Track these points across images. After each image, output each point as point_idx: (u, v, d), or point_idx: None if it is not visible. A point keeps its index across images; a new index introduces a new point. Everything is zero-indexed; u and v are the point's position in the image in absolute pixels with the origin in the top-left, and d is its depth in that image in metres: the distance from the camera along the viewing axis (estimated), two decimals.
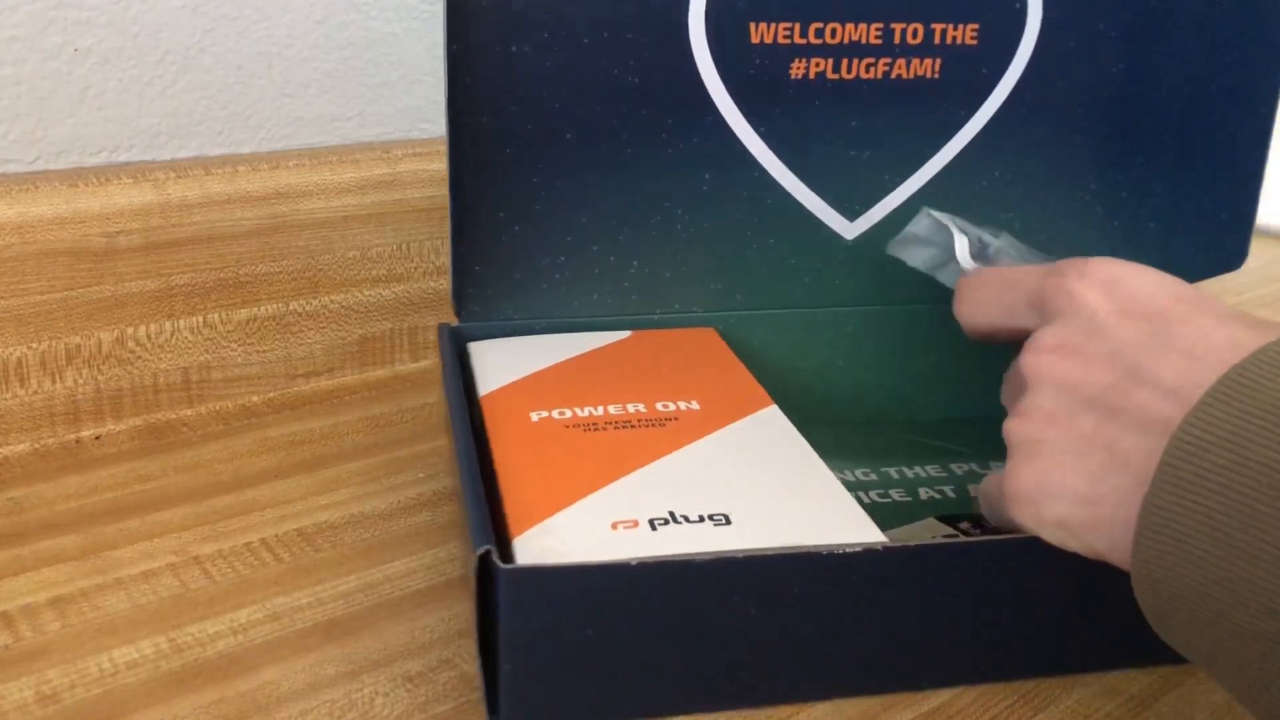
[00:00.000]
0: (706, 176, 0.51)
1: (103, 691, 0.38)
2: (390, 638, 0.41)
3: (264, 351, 0.57)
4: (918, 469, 0.49)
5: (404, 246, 0.60)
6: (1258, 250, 0.59)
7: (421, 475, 0.51)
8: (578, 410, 0.44)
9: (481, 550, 0.34)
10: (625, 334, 0.51)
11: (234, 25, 0.55)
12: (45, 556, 0.45)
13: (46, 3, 0.50)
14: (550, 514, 0.37)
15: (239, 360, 0.56)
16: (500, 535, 0.36)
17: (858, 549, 0.36)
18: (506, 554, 0.35)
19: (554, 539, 0.36)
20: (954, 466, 0.49)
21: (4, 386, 0.51)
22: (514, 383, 0.46)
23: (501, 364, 0.48)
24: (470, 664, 0.40)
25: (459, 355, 0.48)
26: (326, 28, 0.58)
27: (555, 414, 0.44)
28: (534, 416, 0.43)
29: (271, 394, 0.58)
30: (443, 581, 0.45)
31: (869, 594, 0.37)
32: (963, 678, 0.39)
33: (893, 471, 0.49)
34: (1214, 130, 0.54)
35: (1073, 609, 0.38)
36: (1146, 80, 0.53)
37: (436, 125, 0.63)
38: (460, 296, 0.50)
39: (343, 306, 0.59)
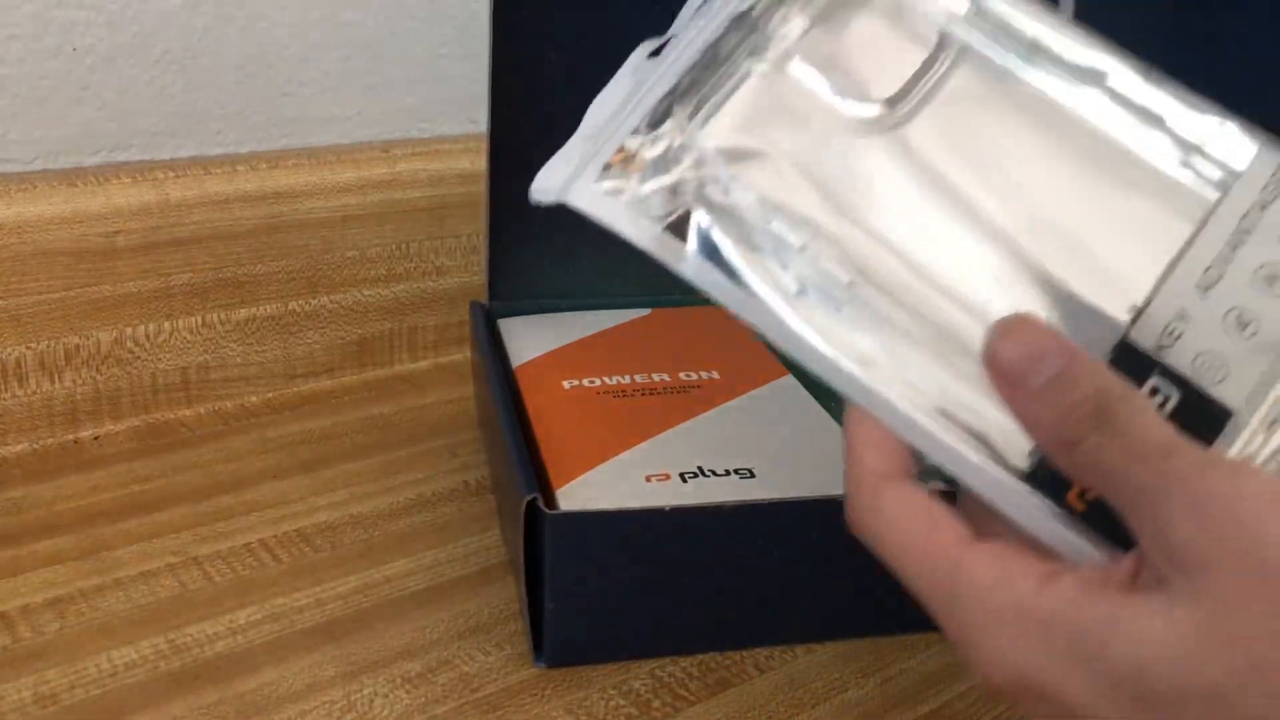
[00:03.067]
0: None
1: (102, 692, 0.38)
2: (389, 638, 0.41)
3: (263, 351, 0.57)
4: None
5: (403, 246, 0.60)
6: None
7: (421, 475, 0.51)
8: (607, 379, 0.47)
9: (528, 498, 0.37)
10: (646, 311, 0.55)
11: (233, 25, 0.55)
12: (44, 557, 0.44)
13: (45, 2, 0.50)
14: (589, 468, 0.41)
15: (238, 360, 0.56)
16: (543, 489, 0.39)
17: None
18: (551, 504, 0.39)
19: (593, 490, 0.40)
20: None
21: (2, 387, 0.51)
22: (545, 354, 0.50)
23: (533, 338, 0.51)
24: (469, 664, 0.40)
25: (490, 331, 0.52)
26: (326, 27, 0.58)
27: (586, 382, 0.47)
28: (566, 384, 0.47)
29: (270, 394, 0.58)
30: (443, 582, 0.44)
31: None
32: None
33: None
34: None
35: None
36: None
37: (436, 125, 0.63)
38: (493, 278, 0.53)
39: (342, 306, 0.59)
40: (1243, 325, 0.28)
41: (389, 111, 0.61)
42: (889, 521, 0.27)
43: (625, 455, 0.42)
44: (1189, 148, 0.30)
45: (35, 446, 0.52)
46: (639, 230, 0.28)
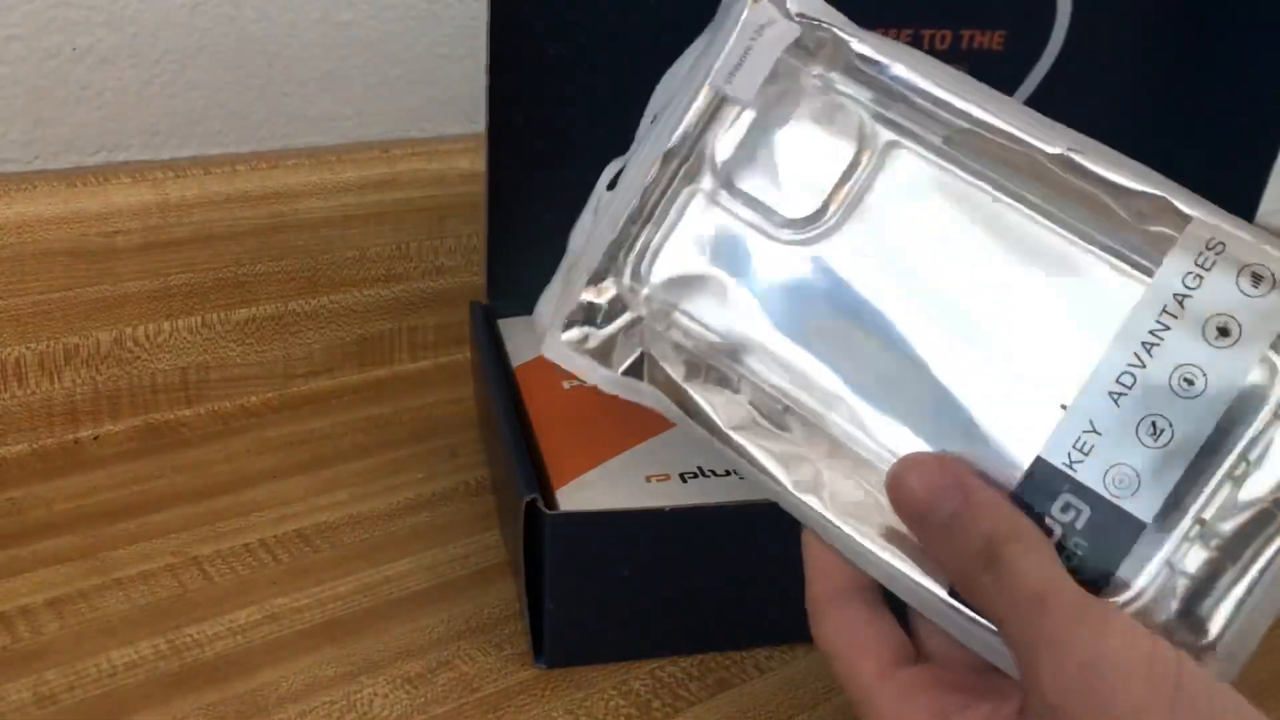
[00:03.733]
0: None
1: (101, 693, 0.38)
2: (389, 639, 0.41)
3: (262, 352, 0.57)
4: None
5: (403, 246, 0.60)
6: None
7: (420, 476, 0.51)
8: None
9: (528, 498, 0.37)
10: None
11: (233, 25, 0.55)
12: (43, 557, 0.44)
13: (45, 2, 0.50)
14: (589, 468, 0.41)
15: (237, 360, 0.56)
16: (543, 489, 0.40)
17: None
18: (551, 504, 0.39)
19: (593, 490, 0.40)
20: None
21: (2, 387, 0.51)
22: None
23: (533, 338, 0.52)
24: (469, 664, 0.40)
25: (490, 331, 0.51)
26: (326, 27, 0.58)
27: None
28: (566, 384, 0.47)
29: (270, 394, 0.58)
30: (442, 582, 0.44)
31: None
32: None
33: None
34: (1221, 138, 0.56)
35: None
36: (1160, 87, 0.55)
37: (436, 125, 0.63)
38: (492, 278, 0.52)
39: (341, 306, 0.59)
40: (1157, 433, 0.26)
41: (389, 111, 0.61)
42: (828, 640, 0.30)
43: (625, 455, 0.42)
44: (1120, 223, 0.28)
45: (35, 446, 0.52)
46: (601, 376, 0.32)
